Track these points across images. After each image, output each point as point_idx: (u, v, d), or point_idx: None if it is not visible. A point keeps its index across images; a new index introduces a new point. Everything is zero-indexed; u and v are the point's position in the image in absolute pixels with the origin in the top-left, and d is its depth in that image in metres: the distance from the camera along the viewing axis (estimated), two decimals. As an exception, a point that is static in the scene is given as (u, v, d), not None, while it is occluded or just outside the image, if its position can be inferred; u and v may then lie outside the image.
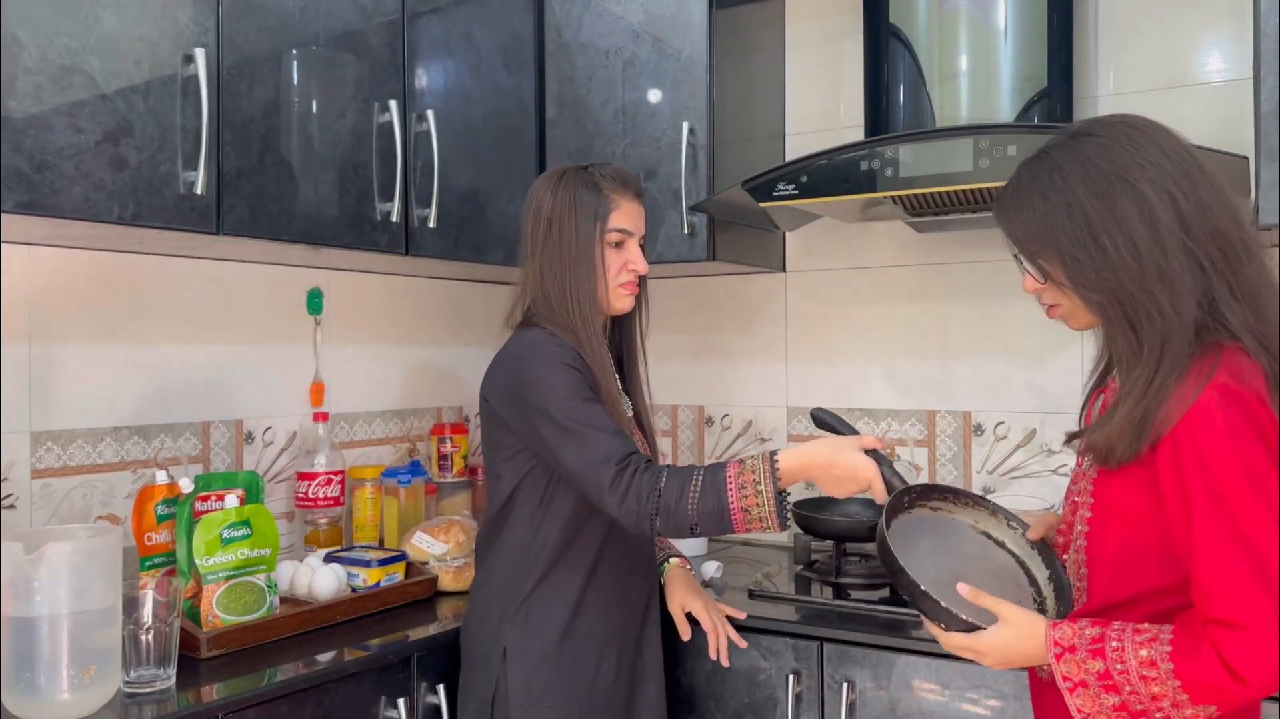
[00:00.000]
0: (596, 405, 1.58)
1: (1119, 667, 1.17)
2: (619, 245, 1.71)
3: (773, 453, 1.51)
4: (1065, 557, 1.39)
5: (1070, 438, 1.35)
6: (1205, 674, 1.13)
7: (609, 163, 1.79)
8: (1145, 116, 1.29)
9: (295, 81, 1.86)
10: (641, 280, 1.76)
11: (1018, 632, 1.26)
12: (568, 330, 1.66)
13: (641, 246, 1.75)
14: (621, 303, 1.73)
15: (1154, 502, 1.22)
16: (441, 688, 1.80)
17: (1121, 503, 1.26)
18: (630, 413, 1.77)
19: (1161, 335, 1.20)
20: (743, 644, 1.85)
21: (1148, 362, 1.21)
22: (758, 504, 1.48)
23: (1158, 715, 1.17)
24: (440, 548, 2.12)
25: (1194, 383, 1.17)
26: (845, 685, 1.80)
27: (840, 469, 1.49)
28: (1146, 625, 1.19)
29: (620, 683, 1.72)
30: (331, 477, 2.24)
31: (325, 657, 1.70)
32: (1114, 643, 1.18)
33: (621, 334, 1.83)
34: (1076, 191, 1.23)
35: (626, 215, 1.71)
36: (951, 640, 1.30)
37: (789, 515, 1.52)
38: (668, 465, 1.53)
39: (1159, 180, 1.21)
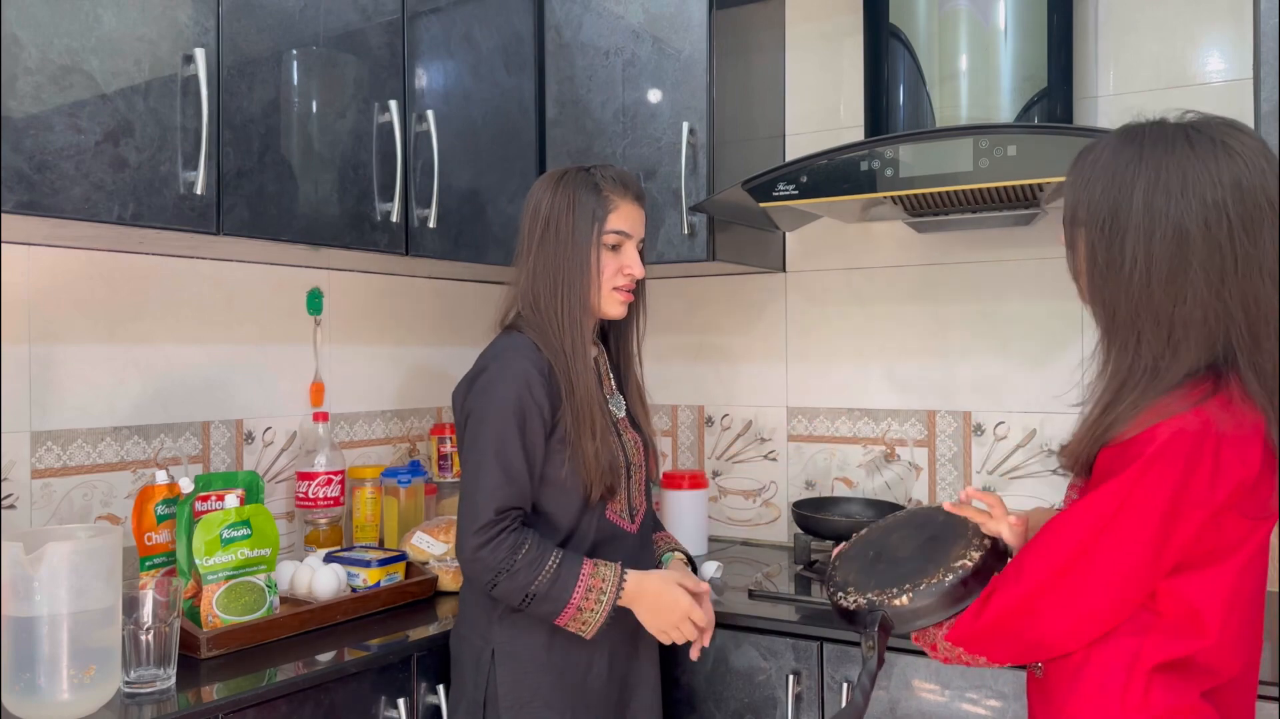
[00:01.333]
0: (520, 444, 1.60)
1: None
2: (616, 248, 1.69)
3: (623, 570, 1.62)
4: None
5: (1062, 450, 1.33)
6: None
7: (611, 164, 1.78)
8: (1259, 144, 1.16)
9: (295, 81, 1.86)
10: (639, 284, 1.75)
11: None
12: (549, 334, 1.65)
13: (641, 251, 1.74)
14: (614, 308, 1.71)
15: None
16: (441, 688, 1.80)
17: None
18: (621, 413, 1.77)
19: (1127, 371, 1.17)
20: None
21: (1109, 386, 1.19)
22: (593, 609, 1.58)
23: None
24: (440, 548, 2.12)
25: (1171, 407, 1.14)
26: (845, 685, 1.80)
27: (666, 599, 1.63)
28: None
29: (613, 685, 1.72)
30: (331, 477, 2.24)
31: (325, 657, 1.70)
32: None
33: (618, 336, 1.82)
34: (1134, 192, 1.15)
35: (625, 217, 1.70)
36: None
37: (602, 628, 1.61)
38: (532, 535, 1.58)
39: (1213, 220, 1.12)
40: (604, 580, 1.59)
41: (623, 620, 1.71)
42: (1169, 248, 1.13)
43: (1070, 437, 1.24)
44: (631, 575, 1.62)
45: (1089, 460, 1.20)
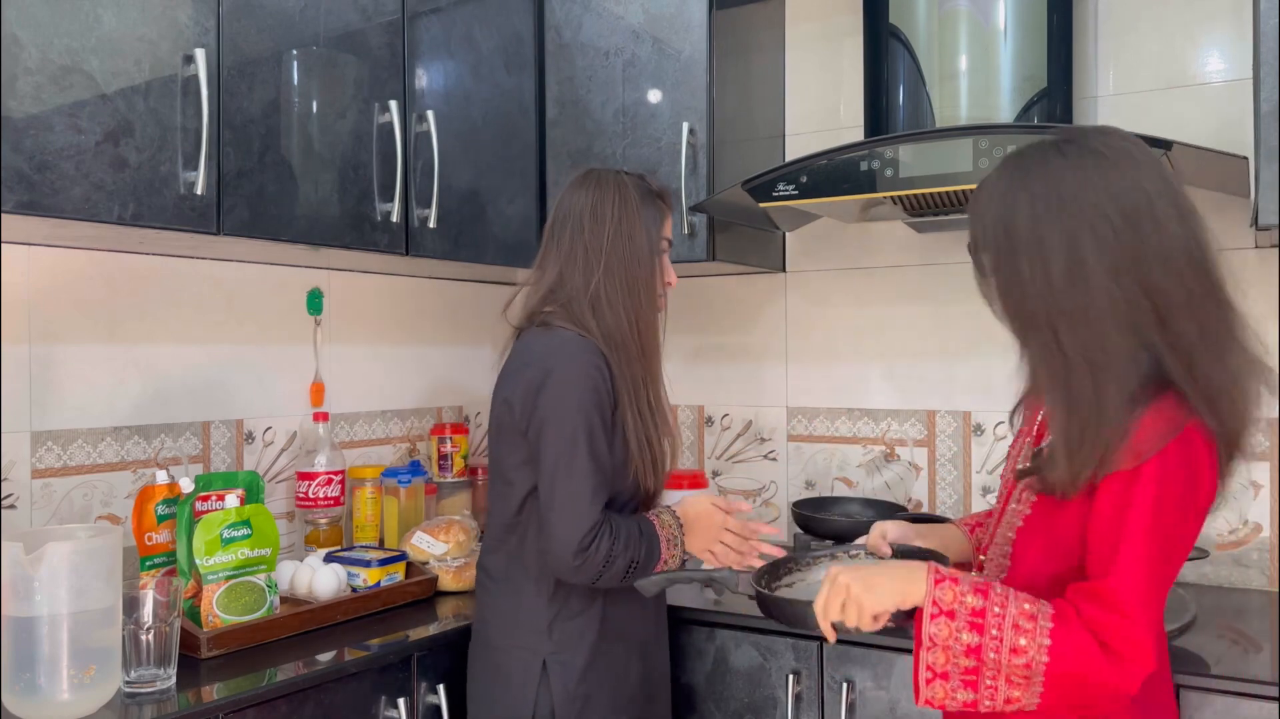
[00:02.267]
0: (605, 444, 1.61)
1: (996, 610, 1.18)
2: (662, 256, 1.74)
3: (671, 510, 1.69)
4: (984, 556, 1.41)
5: (1022, 475, 1.33)
6: (1075, 638, 1.15)
7: (637, 174, 1.78)
8: (1136, 140, 1.26)
9: (295, 82, 1.86)
10: None
11: (899, 568, 1.26)
12: (621, 336, 1.65)
13: None
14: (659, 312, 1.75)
15: (1083, 530, 1.23)
16: (441, 688, 1.80)
17: (1056, 527, 1.27)
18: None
19: (1064, 371, 1.20)
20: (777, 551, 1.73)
21: (1069, 398, 1.21)
22: (674, 555, 1.65)
23: (988, 691, 1.18)
24: (440, 548, 2.12)
25: (1160, 430, 1.17)
26: (845, 685, 1.80)
27: (702, 518, 1.68)
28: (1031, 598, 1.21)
29: (644, 686, 1.73)
30: (331, 477, 2.24)
31: (325, 657, 1.70)
32: (996, 608, 1.19)
33: None
34: (1022, 206, 1.23)
35: (670, 227, 1.77)
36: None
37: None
38: (609, 518, 1.59)
39: (1096, 222, 1.19)
40: (668, 527, 1.66)
41: (652, 620, 1.73)
42: (1062, 254, 1.19)
43: (1052, 458, 1.24)
44: (677, 507, 1.70)
45: (1081, 482, 1.22)
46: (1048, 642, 1.15)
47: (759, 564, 1.61)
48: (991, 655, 1.17)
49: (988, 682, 1.18)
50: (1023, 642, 1.16)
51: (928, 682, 1.20)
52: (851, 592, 1.24)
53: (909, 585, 1.22)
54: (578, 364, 1.59)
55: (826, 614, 1.26)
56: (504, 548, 1.69)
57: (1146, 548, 1.16)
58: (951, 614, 1.19)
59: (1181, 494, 1.17)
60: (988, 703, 1.19)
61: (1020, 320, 1.26)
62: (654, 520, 1.65)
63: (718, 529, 1.67)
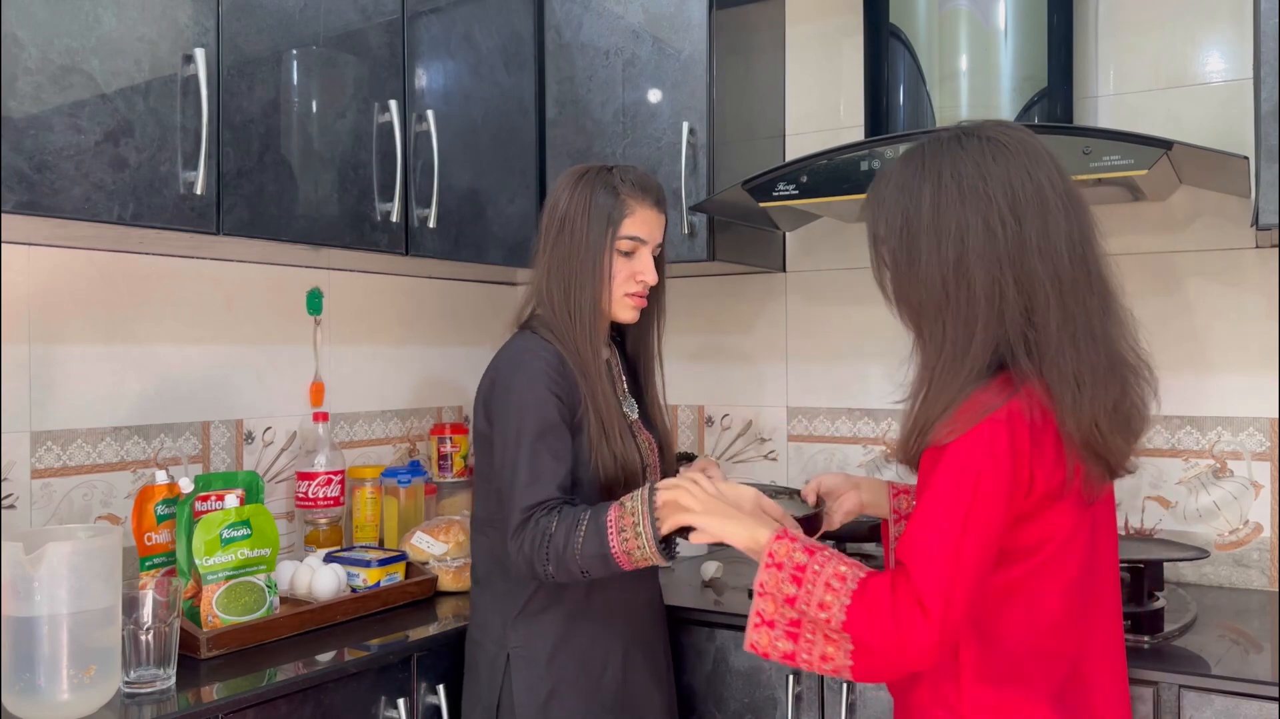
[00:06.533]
0: (545, 442, 1.57)
1: (816, 568, 1.27)
2: (630, 254, 1.67)
3: (652, 488, 1.49)
4: (897, 524, 1.55)
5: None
6: (872, 603, 1.22)
7: (634, 167, 1.72)
8: (1021, 135, 1.30)
9: (295, 81, 1.86)
10: (656, 288, 1.73)
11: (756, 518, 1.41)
12: (563, 335, 1.64)
13: (659, 256, 1.72)
14: (624, 313, 1.70)
15: None
16: (441, 688, 1.80)
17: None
18: (635, 415, 1.76)
19: (935, 358, 1.26)
20: None
21: (921, 376, 1.29)
22: (639, 547, 1.47)
23: (806, 644, 1.27)
24: (440, 548, 2.12)
25: (974, 410, 1.22)
26: (845, 685, 1.80)
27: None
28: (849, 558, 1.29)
29: (630, 686, 1.71)
30: (331, 477, 2.24)
31: (325, 657, 1.70)
32: (816, 566, 1.28)
33: (635, 339, 1.82)
34: (921, 199, 1.28)
35: (641, 223, 1.67)
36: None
37: (677, 549, 1.54)
38: (565, 507, 1.53)
39: (989, 213, 1.24)
40: (633, 514, 1.48)
41: (637, 619, 1.72)
42: (955, 243, 1.25)
43: (900, 432, 1.32)
44: (663, 485, 1.50)
45: (917, 457, 1.29)
46: (848, 602, 1.23)
47: None
48: (803, 608, 1.25)
49: (807, 635, 1.26)
50: (829, 598, 1.24)
51: (755, 626, 1.30)
52: (700, 500, 1.43)
53: (757, 531, 1.36)
54: (523, 368, 1.61)
55: (672, 486, 1.45)
56: (480, 545, 1.72)
57: (940, 523, 1.21)
58: (779, 566, 1.29)
59: (980, 473, 1.21)
60: (804, 657, 1.27)
61: (914, 310, 1.31)
62: (614, 509, 1.49)
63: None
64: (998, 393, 1.23)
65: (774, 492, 1.59)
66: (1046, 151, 1.29)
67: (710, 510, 1.43)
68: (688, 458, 1.91)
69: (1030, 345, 1.24)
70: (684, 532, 1.49)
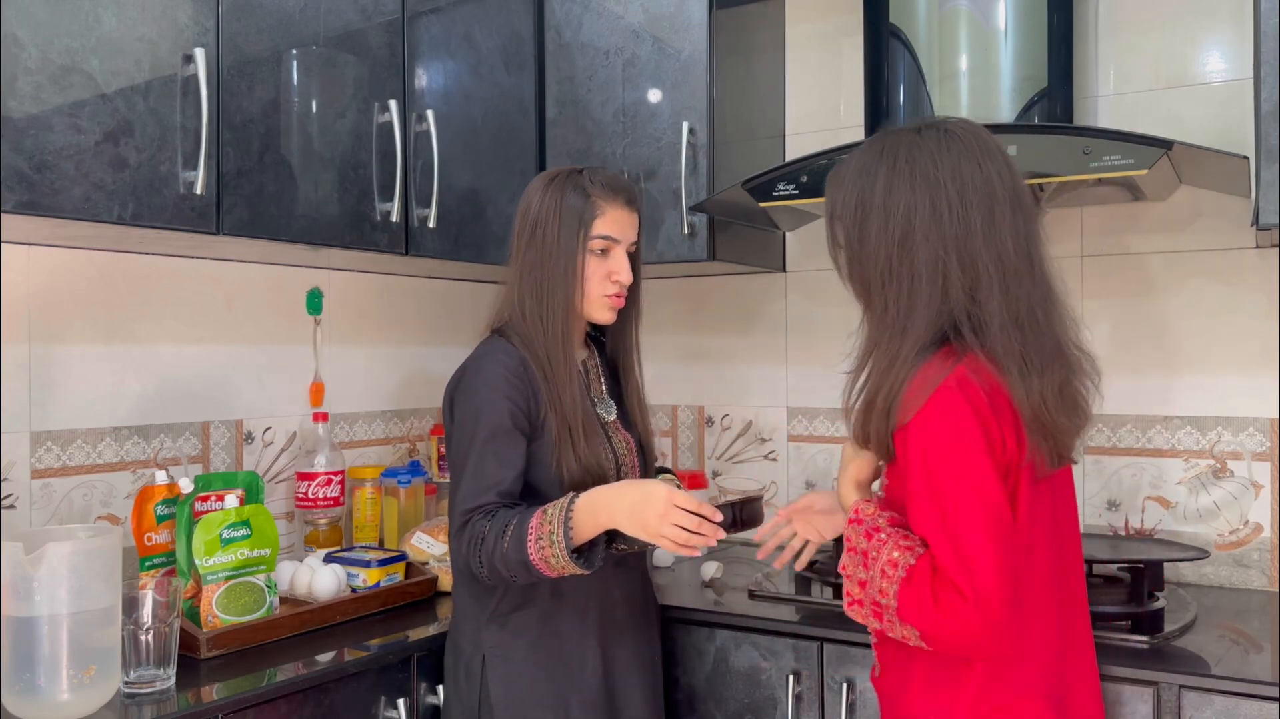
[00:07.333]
0: (491, 447, 1.58)
1: (874, 554, 1.32)
2: (604, 253, 1.67)
3: (574, 497, 1.52)
4: None
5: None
6: (918, 584, 1.26)
7: (604, 168, 1.74)
8: (976, 130, 1.37)
9: (295, 81, 1.86)
10: (633, 287, 1.73)
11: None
12: (531, 340, 1.65)
13: (634, 255, 1.72)
14: (602, 314, 1.70)
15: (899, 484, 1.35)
16: (441, 688, 1.80)
17: (889, 485, 1.41)
18: (612, 416, 1.76)
19: (889, 333, 1.33)
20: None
21: (864, 349, 1.36)
22: (554, 555, 1.49)
23: (888, 619, 1.31)
24: (440, 548, 2.12)
25: (924, 385, 1.27)
26: (845, 685, 1.80)
27: (635, 494, 1.50)
28: (912, 536, 1.31)
29: (610, 681, 1.70)
30: (331, 477, 2.24)
31: (325, 657, 1.70)
32: (881, 535, 1.33)
33: (614, 339, 1.81)
34: (876, 183, 1.34)
35: (613, 223, 1.67)
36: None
37: (601, 557, 1.54)
38: (502, 510, 1.55)
39: (935, 196, 1.31)
40: (550, 522, 1.49)
41: (616, 614, 1.71)
42: (902, 223, 1.32)
43: (850, 411, 1.38)
44: (583, 495, 1.51)
45: (883, 439, 1.33)
46: (897, 588, 1.28)
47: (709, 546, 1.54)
48: (873, 593, 1.30)
49: (887, 618, 1.30)
50: (885, 584, 1.29)
51: (847, 606, 1.36)
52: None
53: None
54: (481, 372, 1.63)
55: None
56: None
57: (939, 501, 1.26)
58: (853, 549, 1.36)
59: (946, 444, 1.26)
60: (892, 634, 1.31)
61: (863, 285, 1.38)
62: (537, 516, 1.51)
63: (663, 505, 1.46)
64: (940, 364, 1.28)
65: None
66: (1001, 150, 1.36)
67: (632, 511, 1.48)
68: (664, 471, 1.91)
69: (976, 323, 1.30)
70: (620, 540, 1.54)
